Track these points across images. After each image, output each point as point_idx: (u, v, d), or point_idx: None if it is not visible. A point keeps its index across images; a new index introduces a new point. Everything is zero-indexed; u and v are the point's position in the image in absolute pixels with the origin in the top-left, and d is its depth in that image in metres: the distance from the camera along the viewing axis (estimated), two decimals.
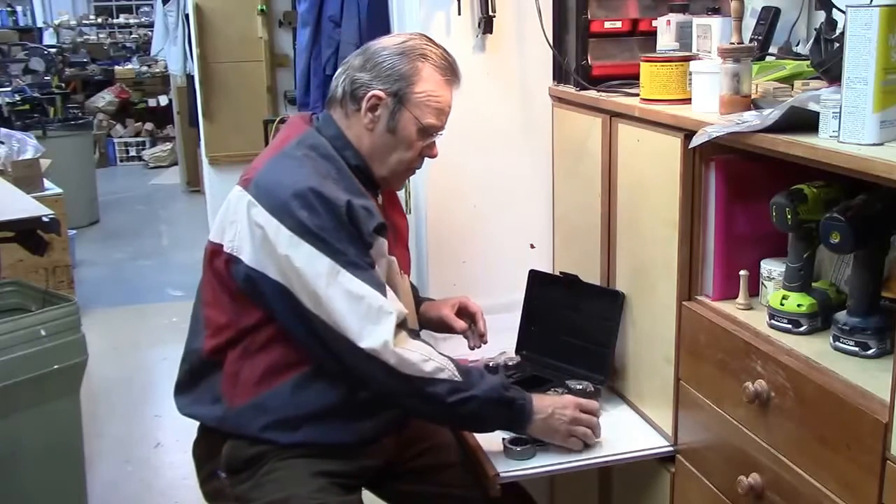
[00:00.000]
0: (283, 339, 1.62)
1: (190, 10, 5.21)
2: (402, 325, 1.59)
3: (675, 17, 1.82)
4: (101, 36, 11.46)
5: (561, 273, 2.09)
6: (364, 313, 1.54)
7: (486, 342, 1.94)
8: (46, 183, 4.55)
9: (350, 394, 1.64)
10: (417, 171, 1.78)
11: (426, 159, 1.75)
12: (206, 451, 1.72)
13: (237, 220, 1.59)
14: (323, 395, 1.63)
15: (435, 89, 1.66)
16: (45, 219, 2.76)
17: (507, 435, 1.75)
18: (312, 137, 1.66)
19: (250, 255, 1.57)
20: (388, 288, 1.60)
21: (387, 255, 1.66)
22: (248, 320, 1.62)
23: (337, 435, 1.65)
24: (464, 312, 1.93)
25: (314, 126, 1.70)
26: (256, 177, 1.61)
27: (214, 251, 1.63)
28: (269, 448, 1.63)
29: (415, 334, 1.66)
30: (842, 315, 1.37)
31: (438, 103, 1.67)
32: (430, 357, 1.59)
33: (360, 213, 1.57)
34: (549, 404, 1.70)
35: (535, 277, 2.11)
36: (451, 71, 1.70)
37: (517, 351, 2.06)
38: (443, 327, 1.92)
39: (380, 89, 1.64)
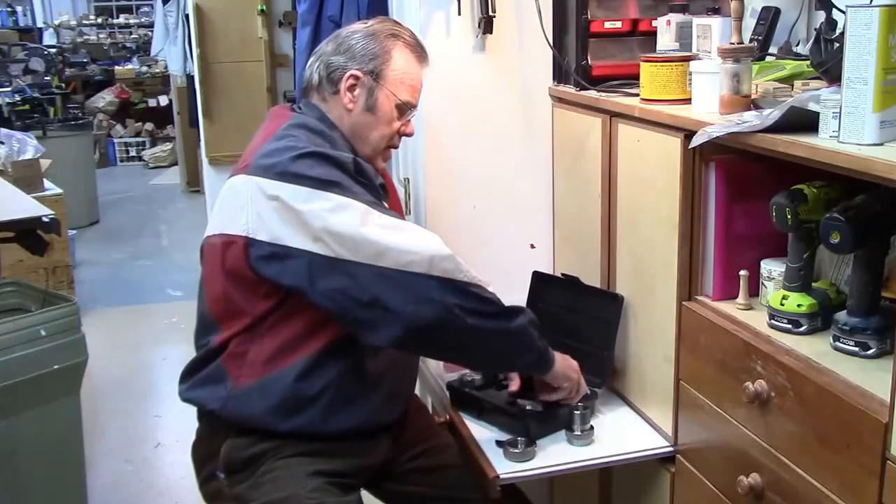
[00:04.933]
0: (290, 321, 1.61)
1: (190, 11, 5.21)
2: None
3: (675, 17, 1.82)
4: (101, 36, 11.45)
5: (563, 274, 2.09)
6: (408, 238, 1.55)
7: None
8: (46, 183, 4.55)
9: (351, 376, 1.64)
10: (396, 150, 1.81)
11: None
12: (205, 451, 1.72)
13: (246, 203, 1.57)
14: (324, 378, 1.62)
15: (408, 67, 1.72)
16: (45, 219, 2.76)
17: (504, 437, 1.76)
18: (301, 119, 1.69)
19: (269, 231, 1.55)
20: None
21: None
22: (262, 307, 1.61)
23: (336, 421, 1.65)
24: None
25: (298, 112, 1.73)
26: (255, 161, 1.60)
27: (226, 242, 1.60)
28: (268, 447, 1.63)
29: None
30: (842, 315, 1.37)
31: (412, 81, 1.73)
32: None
33: (367, 168, 1.62)
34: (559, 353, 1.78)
35: (539, 279, 2.11)
36: (421, 49, 1.76)
37: None
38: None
39: (356, 69, 1.69)
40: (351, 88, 1.69)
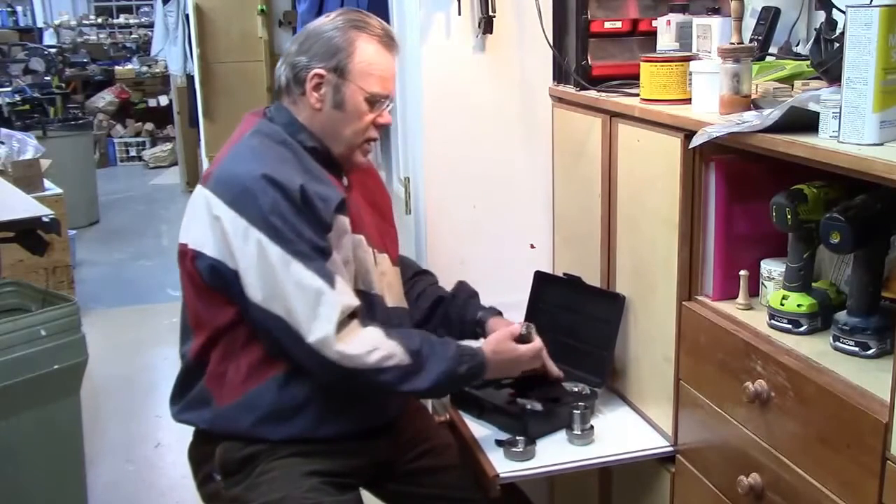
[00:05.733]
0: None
1: (190, 11, 5.22)
2: (354, 314, 1.59)
3: (675, 17, 1.82)
4: (101, 36, 11.44)
5: (564, 274, 2.09)
6: (310, 307, 1.54)
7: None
8: (46, 183, 4.54)
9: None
10: (376, 142, 1.76)
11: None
12: (200, 454, 1.73)
13: (198, 216, 1.61)
14: (310, 385, 1.63)
15: (374, 57, 1.66)
16: (45, 219, 2.76)
17: (504, 436, 1.76)
18: (266, 127, 1.68)
19: (212, 247, 1.58)
20: (338, 278, 1.58)
21: (350, 234, 1.65)
22: (222, 319, 1.63)
23: (330, 426, 1.65)
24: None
25: (267, 117, 1.71)
26: (215, 172, 1.62)
27: (182, 252, 1.64)
28: (262, 448, 1.64)
29: (371, 320, 1.65)
30: (842, 315, 1.37)
31: (381, 71, 1.67)
32: (376, 347, 1.58)
33: (314, 195, 1.57)
34: (496, 352, 1.72)
35: (540, 278, 2.10)
36: (388, 37, 1.70)
37: None
38: None
39: (320, 67, 1.65)
40: (316, 87, 1.65)
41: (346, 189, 1.72)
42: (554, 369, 1.86)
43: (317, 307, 1.54)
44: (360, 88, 1.65)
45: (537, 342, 1.78)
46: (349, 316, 1.58)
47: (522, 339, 1.77)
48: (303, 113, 1.68)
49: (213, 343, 1.65)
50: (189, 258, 1.62)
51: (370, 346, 1.58)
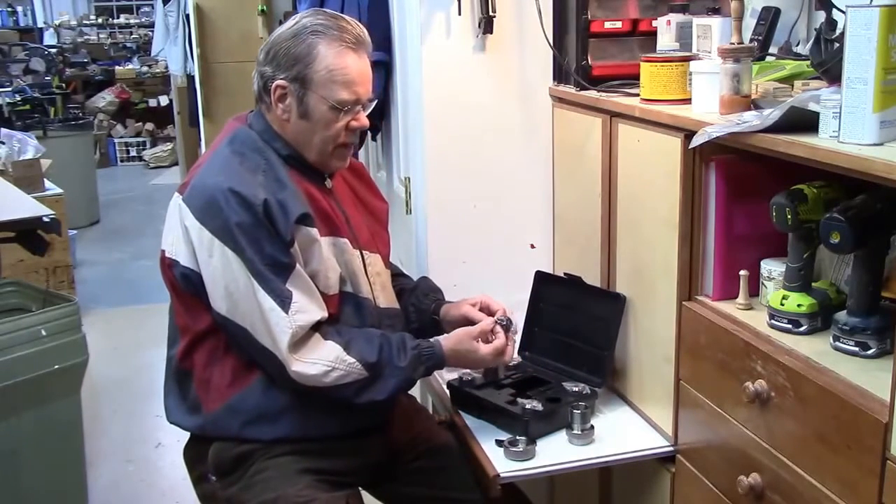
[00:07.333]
0: None
1: (190, 11, 5.22)
2: (317, 325, 1.60)
3: (675, 17, 1.82)
4: (101, 36, 11.46)
5: (565, 274, 2.09)
6: (266, 326, 1.57)
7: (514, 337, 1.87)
8: (47, 183, 4.55)
9: None
10: (355, 144, 1.75)
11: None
12: (195, 454, 1.74)
13: (173, 224, 1.63)
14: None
15: (337, 63, 1.61)
16: (45, 219, 2.77)
17: (504, 436, 1.76)
18: (243, 134, 1.68)
19: (184, 255, 1.61)
20: (297, 294, 1.57)
21: (319, 240, 1.63)
22: (202, 323, 1.64)
23: (318, 427, 1.66)
24: (486, 311, 1.86)
25: (247, 123, 1.71)
26: (192, 181, 1.63)
27: (161, 258, 1.67)
28: (256, 447, 1.65)
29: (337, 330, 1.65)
30: (842, 315, 1.37)
31: (345, 76, 1.62)
32: (334, 366, 1.59)
33: (277, 210, 1.56)
34: (455, 350, 1.73)
35: (541, 278, 2.11)
36: (352, 39, 1.63)
37: (520, 351, 2.06)
38: (466, 323, 1.83)
39: (281, 78, 1.62)
40: (281, 99, 1.63)
41: (329, 192, 1.72)
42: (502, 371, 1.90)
43: (271, 328, 1.56)
44: (323, 98, 1.62)
45: (500, 340, 1.78)
46: (312, 328, 1.59)
47: (505, 328, 1.81)
48: (276, 122, 1.67)
49: (196, 347, 1.66)
50: (167, 265, 1.65)
51: (328, 365, 1.59)
